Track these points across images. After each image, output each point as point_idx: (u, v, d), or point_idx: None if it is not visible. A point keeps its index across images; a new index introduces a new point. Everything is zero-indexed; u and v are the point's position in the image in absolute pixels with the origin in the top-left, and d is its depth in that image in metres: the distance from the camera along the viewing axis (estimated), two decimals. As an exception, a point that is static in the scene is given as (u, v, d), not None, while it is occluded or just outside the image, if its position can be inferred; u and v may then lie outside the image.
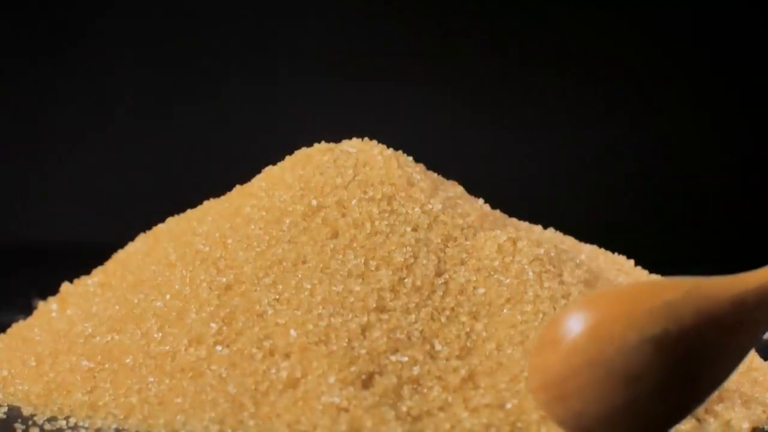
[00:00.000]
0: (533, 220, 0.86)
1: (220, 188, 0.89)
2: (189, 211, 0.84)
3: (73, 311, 0.79)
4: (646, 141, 1.68)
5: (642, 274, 0.86)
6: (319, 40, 1.53)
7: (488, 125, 1.62)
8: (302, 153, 0.83)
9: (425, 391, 0.66)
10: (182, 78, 1.69)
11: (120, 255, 0.84)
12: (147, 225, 0.89)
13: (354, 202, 0.76)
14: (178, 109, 1.69)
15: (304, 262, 0.73)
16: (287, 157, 0.83)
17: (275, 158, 0.85)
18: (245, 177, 0.86)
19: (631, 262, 0.88)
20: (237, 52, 1.68)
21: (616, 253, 0.88)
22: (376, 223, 0.75)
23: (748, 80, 1.68)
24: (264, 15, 1.66)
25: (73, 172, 1.68)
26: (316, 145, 0.83)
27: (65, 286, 0.85)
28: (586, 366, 0.59)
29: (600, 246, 0.88)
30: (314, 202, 0.77)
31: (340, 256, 0.74)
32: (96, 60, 1.68)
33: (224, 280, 0.73)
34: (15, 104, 1.69)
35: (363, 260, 0.73)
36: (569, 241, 0.86)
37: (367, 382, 0.66)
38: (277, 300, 0.71)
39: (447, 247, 0.76)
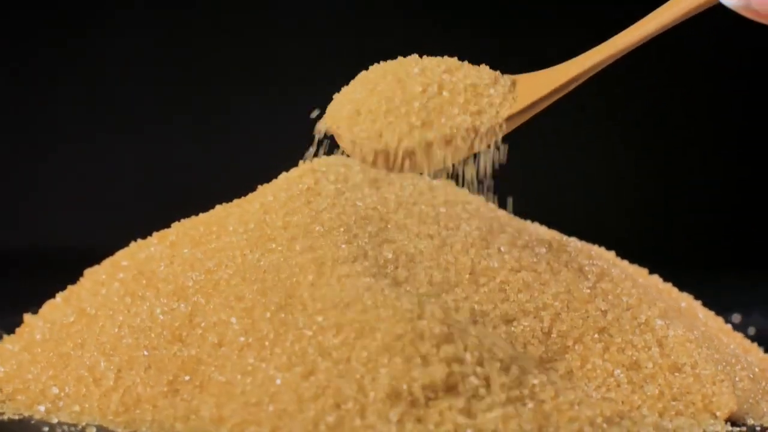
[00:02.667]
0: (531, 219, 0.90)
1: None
2: (202, 215, 0.82)
3: (110, 323, 0.75)
4: (644, 141, 1.73)
5: (623, 265, 0.91)
6: (317, 42, 1.50)
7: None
8: (323, 160, 0.83)
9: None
10: (178, 82, 1.65)
11: (127, 262, 0.81)
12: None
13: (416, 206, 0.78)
14: (164, 112, 1.64)
15: None
16: (301, 164, 0.84)
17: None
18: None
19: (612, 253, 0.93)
20: (233, 57, 1.65)
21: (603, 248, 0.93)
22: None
23: (747, 83, 1.74)
24: (263, 16, 1.64)
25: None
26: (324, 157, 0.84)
27: (65, 296, 0.81)
28: None
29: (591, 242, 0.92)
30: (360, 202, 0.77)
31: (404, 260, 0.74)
32: (95, 62, 1.62)
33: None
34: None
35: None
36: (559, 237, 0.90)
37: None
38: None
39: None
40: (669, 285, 0.91)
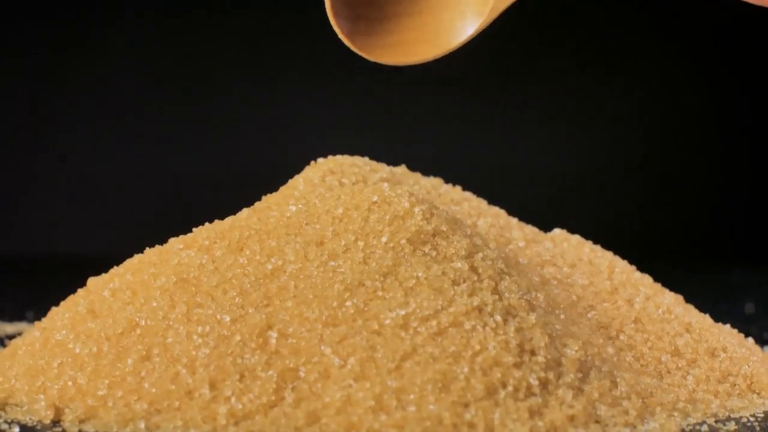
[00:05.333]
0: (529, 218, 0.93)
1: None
2: (229, 220, 0.81)
3: (173, 333, 0.73)
4: (643, 141, 1.74)
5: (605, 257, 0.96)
6: (317, 43, 1.45)
7: (484, 126, 1.60)
8: (333, 160, 0.84)
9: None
10: (180, 87, 1.62)
11: (155, 269, 0.78)
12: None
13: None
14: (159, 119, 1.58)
15: None
16: (313, 164, 0.84)
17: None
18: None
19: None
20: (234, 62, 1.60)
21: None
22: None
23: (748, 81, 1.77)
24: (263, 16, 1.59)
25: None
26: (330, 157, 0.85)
27: (87, 306, 0.78)
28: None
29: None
30: (407, 204, 0.79)
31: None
32: (98, 67, 1.55)
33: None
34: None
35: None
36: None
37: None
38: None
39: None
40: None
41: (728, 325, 0.86)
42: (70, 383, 0.73)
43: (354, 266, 0.74)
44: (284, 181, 0.86)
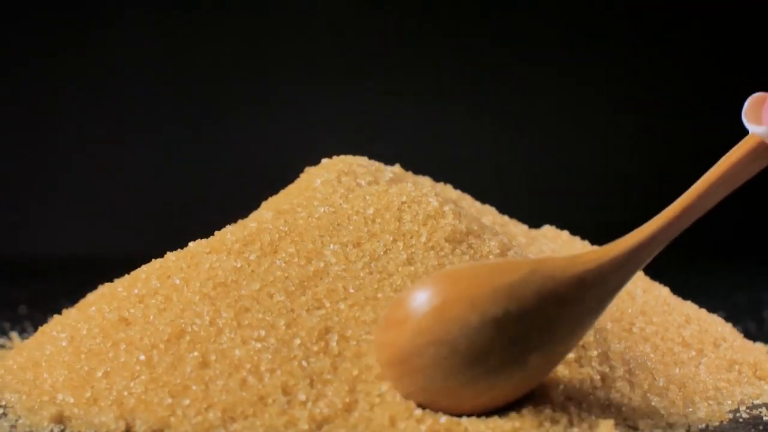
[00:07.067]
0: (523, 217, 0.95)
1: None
2: (253, 221, 0.80)
3: (227, 340, 0.72)
4: (641, 140, 1.71)
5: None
6: (313, 49, 1.38)
7: (483, 126, 1.55)
8: (341, 160, 0.85)
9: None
10: (177, 87, 1.60)
11: (184, 274, 0.77)
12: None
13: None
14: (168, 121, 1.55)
15: None
16: (324, 162, 0.85)
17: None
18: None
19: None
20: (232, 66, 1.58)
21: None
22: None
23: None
24: (264, 24, 1.56)
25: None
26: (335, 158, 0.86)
27: (118, 314, 0.76)
28: (431, 345, 0.63)
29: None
30: (436, 204, 0.80)
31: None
32: (103, 69, 1.53)
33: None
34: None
35: None
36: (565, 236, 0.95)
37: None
38: None
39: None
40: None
41: (716, 315, 0.90)
42: (125, 393, 0.71)
43: (400, 267, 0.75)
44: (280, 181, 0.86)
